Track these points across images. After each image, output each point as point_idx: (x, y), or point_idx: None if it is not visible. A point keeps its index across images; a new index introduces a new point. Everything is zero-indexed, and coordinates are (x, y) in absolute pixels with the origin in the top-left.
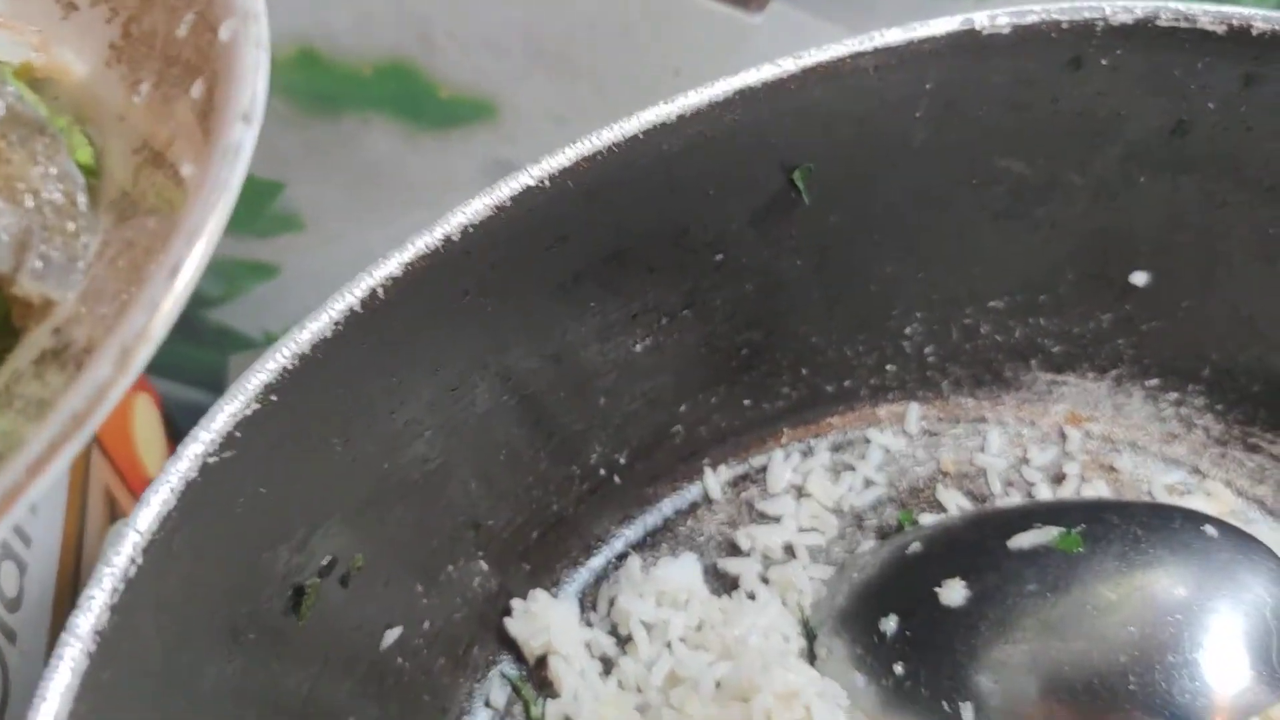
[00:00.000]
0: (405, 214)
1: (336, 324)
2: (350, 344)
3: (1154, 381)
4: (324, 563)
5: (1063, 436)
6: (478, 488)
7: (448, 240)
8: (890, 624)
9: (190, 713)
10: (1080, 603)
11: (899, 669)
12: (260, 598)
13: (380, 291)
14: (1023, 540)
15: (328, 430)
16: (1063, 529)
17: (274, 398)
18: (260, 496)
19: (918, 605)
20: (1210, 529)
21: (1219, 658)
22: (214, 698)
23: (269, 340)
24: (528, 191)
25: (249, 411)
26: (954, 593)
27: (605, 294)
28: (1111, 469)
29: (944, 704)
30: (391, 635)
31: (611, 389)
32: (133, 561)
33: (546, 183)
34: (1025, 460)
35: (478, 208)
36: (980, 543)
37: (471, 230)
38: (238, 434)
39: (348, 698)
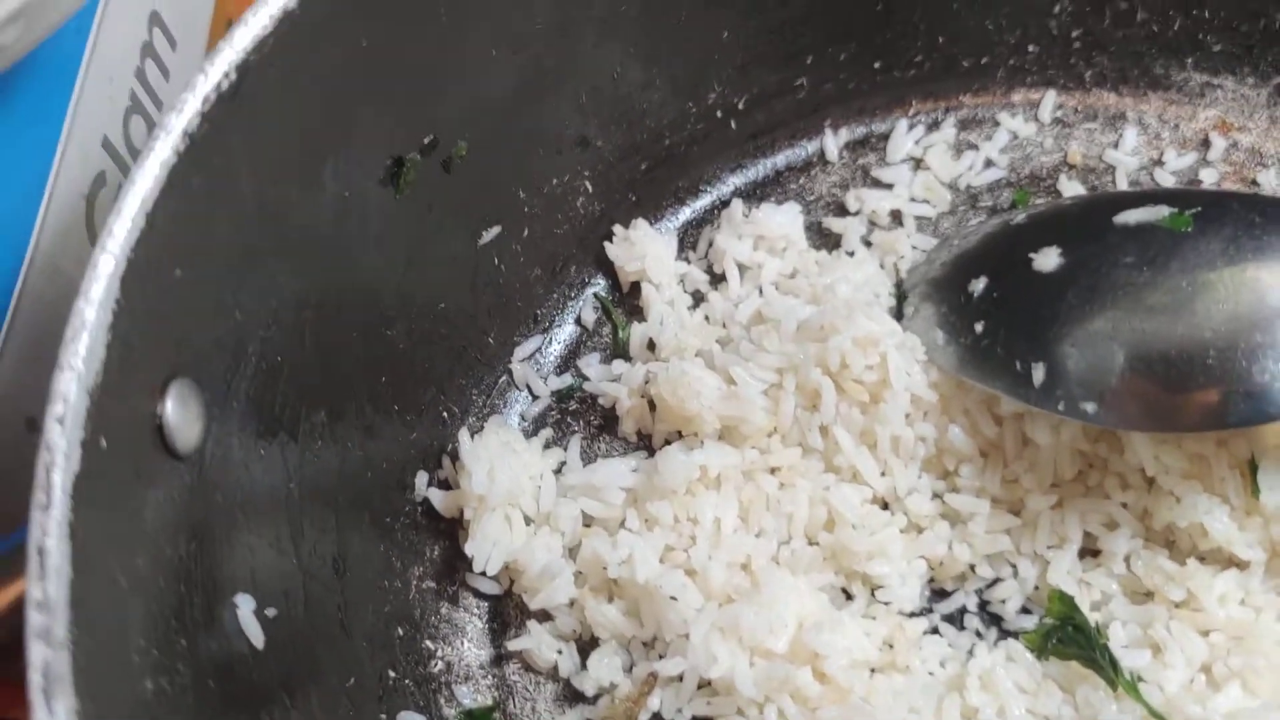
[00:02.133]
0: None
1: None
2: None
3: None
4: (426, 141)
5: (1206, 144)
6: (589, 102)
7: None
8: (979, 284)
9: (273, 250)
10: (1176, 279)
11: (979, 327)
12: (356, 156)
13: None
14: (1130, 216)
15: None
16: (1175, 210)
17: None
18: (360, 50)
19: (1010, 268)
20: None
21: None
22: (295, 242)
23: None
24: None
25: None
26: (1048, 259)
27: None
28: (1254, 183)
29: (1017, 364)
30: (490, 234)
31: (736, 26)
32: (226, 76)
33: None
34: (1159, 163)
35: None
36: (1087, 217)
37: None
38: None
39: (441, 285)
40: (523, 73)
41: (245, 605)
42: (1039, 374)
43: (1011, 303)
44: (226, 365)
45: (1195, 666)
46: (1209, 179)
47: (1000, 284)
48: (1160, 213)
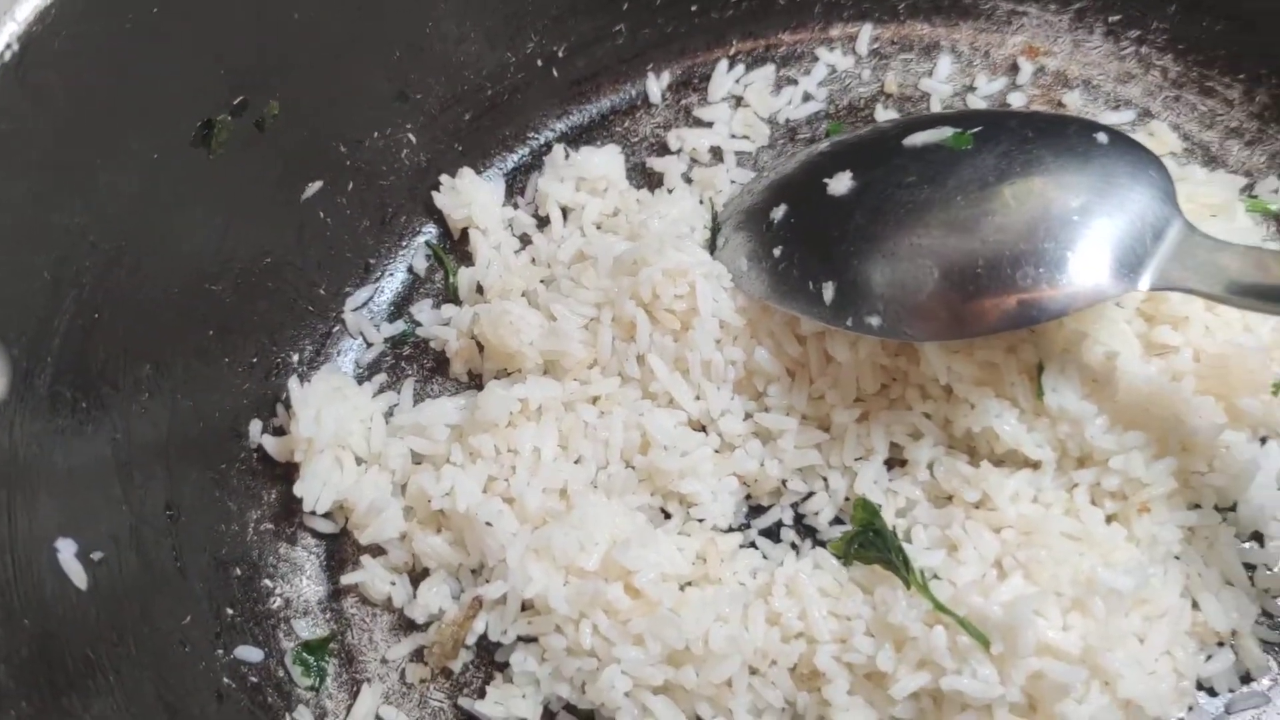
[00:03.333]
0: None
1: None
2: None
3: (1117, 17)
4: (235, 102)
5: (1015, 69)
6: (404, 57)
7: None
8: (779, 212)
9: (79, 212)
10: (952, 194)
11: (777, 252)
12: (162, 120)
13: None
14: (918, 138)
15: None
16: (959, 130)
17: None
18: (152, 16)
19: (807, 194)
20: (1102, 136)
21: (1076, 252)
22: (104, 205)
23: None
24: None
25: None
26: (841, 183)
27: None
28: (1060, 105)
29: (810, 284)
30: (313, 188)
31: None
32: (8, 47)
33: None
34: (972, 89)
35: None
36: (881, 141)
37: None
38: None
39: (265, 240)
40: (331, 31)
41: (67, 549)
42: (829, 292)
43: (806, 227)
44: (37, 321)
45: (987, 562)
46: (1018, 102)
47: (797, 210)
48: (945, 133)
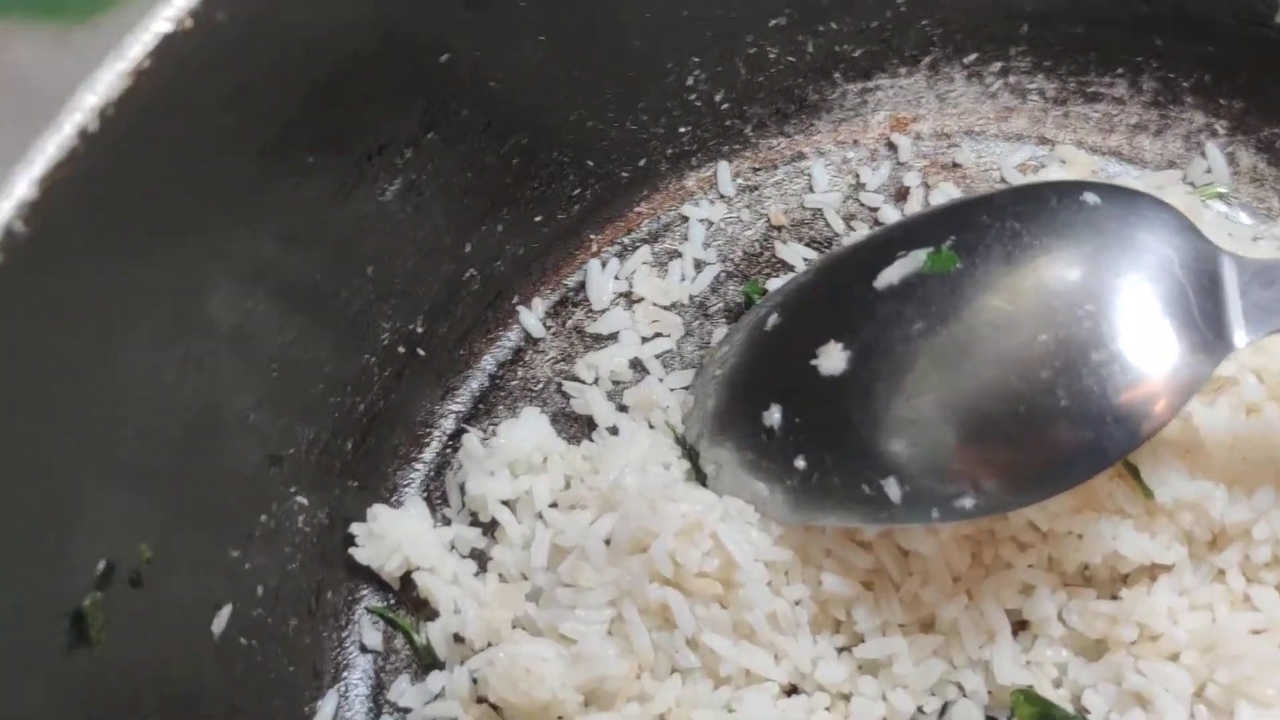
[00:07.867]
0: None
1: None
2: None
3: (972, 57)
4: (97, 571)
5: (892, 148)
6: (259, 418)
7: (84, 136)
8: (774, 416)
9: None
10: (975, 325)
11: (800, 463)
12: (25, 642)
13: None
14: (891, 275)
15: (26, 414)
16: (930, 248)
17: None
18: None
19: (797, 385)
20: (1090, 196)
21: (1145, 339)
22: None
23: None
24: (167, 41)
25: None
26: (833, 360)
27: (323, 142)
28: (955, 166)
29: (864, 487)
30: (223, 616)
31: (375, 253)
32: None
33: (190, 23)
34: (860, 185)
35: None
36: (844, 293)
37: (109, 114)
38: None
39: (193, 703)
40: (170, 437)
41: None
42: (894, 490)
43: (822, 423)
44: None
45: (1188, 701)
46: (912, 181)
47: (797, 407)
48: (918, 259)
